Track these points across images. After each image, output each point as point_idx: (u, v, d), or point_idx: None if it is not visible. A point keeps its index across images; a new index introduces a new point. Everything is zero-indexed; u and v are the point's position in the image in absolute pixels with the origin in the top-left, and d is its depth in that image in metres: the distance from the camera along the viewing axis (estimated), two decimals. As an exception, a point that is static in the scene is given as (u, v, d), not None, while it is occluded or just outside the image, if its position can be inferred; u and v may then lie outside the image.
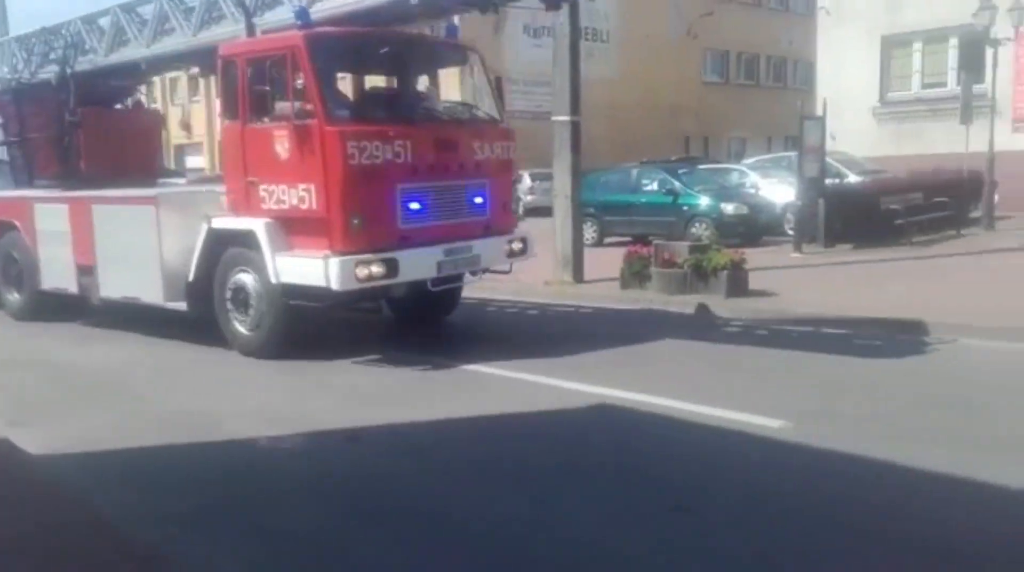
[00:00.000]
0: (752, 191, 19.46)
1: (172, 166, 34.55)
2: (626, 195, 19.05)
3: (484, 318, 11.39)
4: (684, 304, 11.12)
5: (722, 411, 6.56)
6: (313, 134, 8.20)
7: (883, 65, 24.01)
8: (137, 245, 9.88)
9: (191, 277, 9.39)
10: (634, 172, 19.94)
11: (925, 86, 23.63)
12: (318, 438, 6.49)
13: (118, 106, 12.91)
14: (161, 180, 12.59)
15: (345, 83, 9.68)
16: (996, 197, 18.45)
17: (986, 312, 9.50)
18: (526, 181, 27.27)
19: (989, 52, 18.46)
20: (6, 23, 16.62)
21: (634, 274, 12.11)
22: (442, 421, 6.79)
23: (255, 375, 8.54)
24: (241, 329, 9.18)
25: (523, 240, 9.79)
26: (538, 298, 12.39)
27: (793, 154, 18.01)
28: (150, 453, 6.18)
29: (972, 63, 18.70)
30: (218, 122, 10.60)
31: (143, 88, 13.13)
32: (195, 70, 12.98)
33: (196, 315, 9.57)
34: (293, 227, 8.59)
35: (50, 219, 11.18)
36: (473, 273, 9.42)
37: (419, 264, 8.65)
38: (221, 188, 9.69)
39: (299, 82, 8.29)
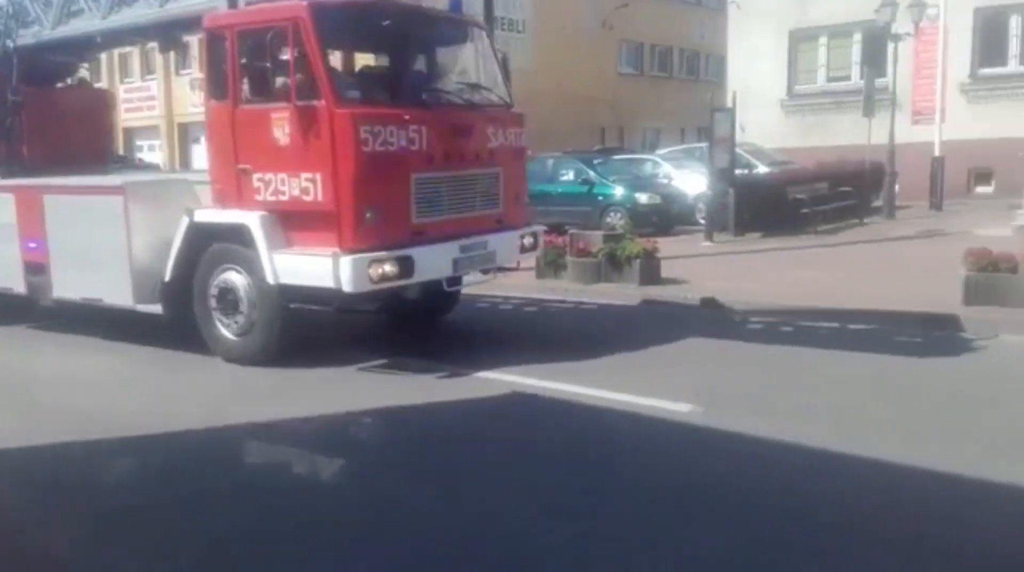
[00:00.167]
0: (665, 181, 19.96)
1: (122, 153, 32.72)
2: (543, 185, 18.71)
3: (471, 316, 10.53)
4: (600, 293, 11.21)
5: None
6: (320, 117, 7.30)
7: (790, 59, 24.56)
8: (101, 241, 8.79)
9: (167, 276, 8.36)
10: (550, 162, 19.79)
11: (830, 79, 24.24)
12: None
13: (60, 85, 11.62)
14: (113, 167, 11.45)
15: (338, 60, 8.71)
16: (896, 187, 19.09)
17: (873, 296, 9.86)
18: None
19: (891, 47, 19.09)
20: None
21: (549, 263, 12.05)
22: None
23: (250, 383, 7.60)
24: (227, 334, 8.21)
25: (534, 234, 9.05)
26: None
27: (705, 145, 18.37)
28: (56, 452, 5.85)
29: (874, 58, 19.46)
30: (178, 102, 9.52)
31: (87, 65, 11.81)
32: (152, 45, 11.76)
33: (173, 319, 8.53)
34: (293, 221, 7.66)
35: (-9, 211, 9.95)
36: (485, 271, 8.60)
37: (435, 262, 7.83)
38: (200, 177, 8.71)
39: (301, 58, 7.37)
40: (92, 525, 4.78)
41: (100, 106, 11.81)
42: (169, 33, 9.93)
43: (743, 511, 4.66)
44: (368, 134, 7.29)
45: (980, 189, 21.54)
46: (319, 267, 7.38)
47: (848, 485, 4.98)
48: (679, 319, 9.79)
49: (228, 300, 8.10)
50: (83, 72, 11.82)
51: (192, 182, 8.89)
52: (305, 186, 7.46)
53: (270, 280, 7.64)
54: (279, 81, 7.49)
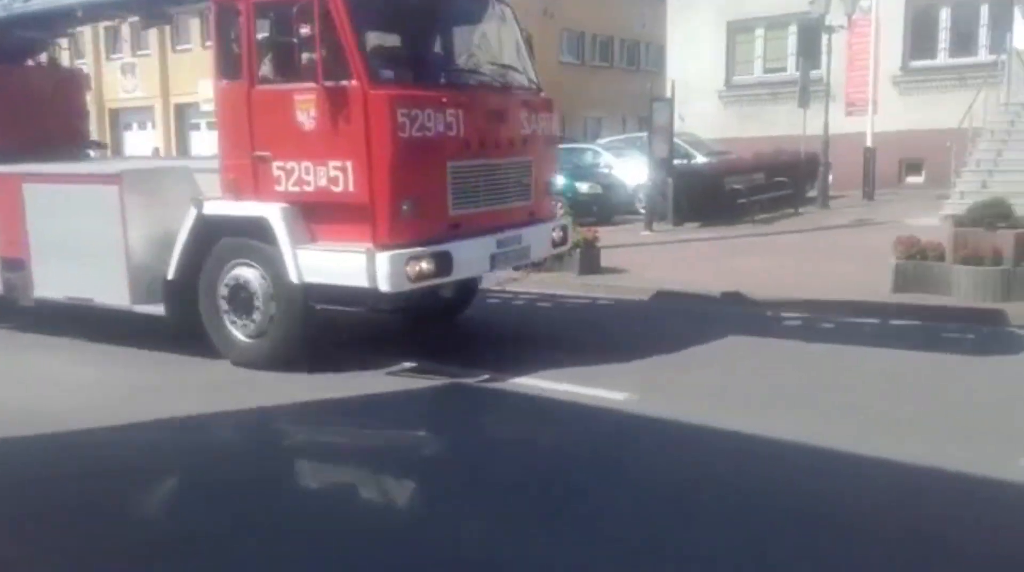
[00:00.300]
0: (605, 171, 19.88)
1: (104, 135, 30.82)
2: None
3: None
4: (539, 283, 11.00)
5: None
6: (352, 99, 6.63)
7: (728, 50, 24.63)
8: (92, 234, 8.00)
9: (171, 273, 7.60)
10: None
11: (767, 71, 24.37)
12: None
13: (30, 63, 10.68)
14: (88, 153, 10.60)
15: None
16: (830, 177, 19.35)
17: (797, 284, 10.07)
18: None
19: (825, 39, 19.30)
20: None
21: None
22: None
23: (267, 387, 6.92)
24: (239, 335, 7.50)
25: (564, 228, 8.47)
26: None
27: (645, 135, 18.34)
28: None
29: (809, 50, 19.69)
30: (175, 81, 8.72)
31: (63, 41, 10.88)
32: (134, 19, 10.89)
33: (175, 320, 7.79)
34: (318, 214, 6.98)
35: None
36: (517, 268, 8.01)
37: (472, 258, 7.22)
38: (202, 164, 7.99)
39: (329, 33, 6.69)
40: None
41: (73, 87, 10.88)
42: (155, 6, 9.10)
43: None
44: (405, 118, 6.64)
45: (911, 179, 21.85)
46: (351, 264, 6.73)
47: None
48: (701, 317, 9.32)
49: (241, 299, 7.39)
50: (56, 48, 10.87)
51: (193, 170, 8.13)
52: (333, 175, 6.79)
53: (293, 279, 6.96)
54: (304, 59, 6.79)
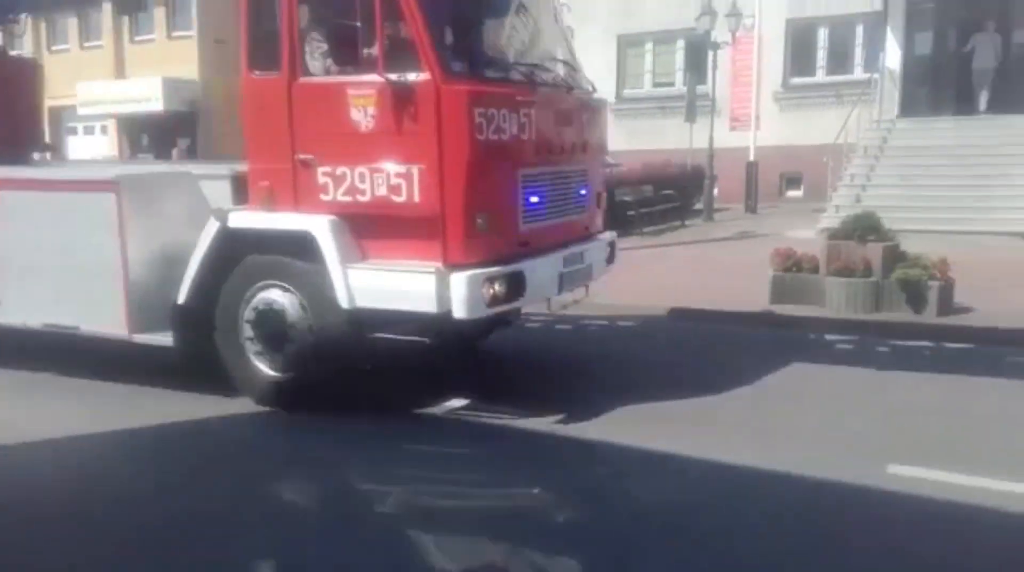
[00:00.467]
0: None
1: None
2: None
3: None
4: None
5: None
6: (422, 95, 5.71)
7: (619, 63, 24.69)
8: (79, 250, 6.86)
9: (182, 297, 6.51)
10: None
11: (656, 85, 24.55)
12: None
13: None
14: (39, 157, 9.32)
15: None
16: (715, 190, 19.75)
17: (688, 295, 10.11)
18: None
19: (710, 55, 19.71)
20: None
21: None
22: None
23: (309, 438, 5.92)
24: (265, 369, 6.46)
25: (612, 244, 7.69)
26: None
27: None
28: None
29: (696, 65, 20.15)
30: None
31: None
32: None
33: (188, 352, 6.69)
34: (371, 227, 6.03)
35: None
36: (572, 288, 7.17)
37: (543, 279, 6.38)
38: (207, 170, 6.95)
39: (393, 18, 5.78)
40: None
41: (23, 80, 9.54)
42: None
43: None
44: (482, 118, 5.77)
45: (791, 193, 22.22)
46: (416, 286, 5.80)
47: None
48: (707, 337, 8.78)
49: (270, 326, 6.36)
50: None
51: (197, 176, 7.05)
52: (395, 183, 5.85)
53: (342, 303, 5.98)
54: (361, 47, 5.83)
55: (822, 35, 22.16)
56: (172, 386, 6.91)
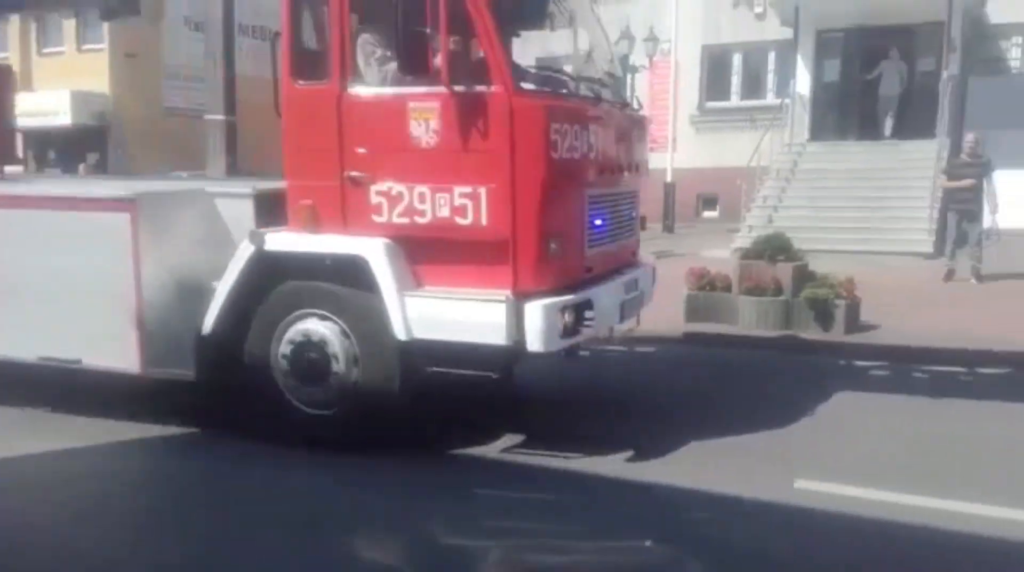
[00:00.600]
0: None
1: None
2: None
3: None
4: None
5: None
6: (493, 108, 5.26)
7: None
8: (85, 275, 6.17)
9: (208, 327, 5.88)
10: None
11: None
12: None
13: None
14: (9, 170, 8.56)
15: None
16: None
17: None
18: None
19: (629, 79, 19.92)
20: None
21: None
22: None
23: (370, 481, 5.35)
24: (301, 406, 5.87)
25: (654, 269, 7.32)
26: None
27: None
28: None
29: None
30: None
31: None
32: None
33: (210, 387, 6.06)
34: (428, 252, 5.53)
35: None
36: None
37: (608, 308, 5.96)
38: (224, 187, 6.39)
39: (460, 24, 5.32)
40: None
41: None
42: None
43: None
44: (557, 135, 5.35)
45: (707, 213, 22.65)
46: (485, 317, 5.31)
47: None
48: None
49: (309, 360, 5.78)
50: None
51: (212, 194, 6.45)
52: (460, 204, 5.37)
53: (399, 335, 5.45)
54: (423, 56, 5.34)
55: (736, 61, 22.75)
56: (181, 423, 6.24)
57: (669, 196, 20.43)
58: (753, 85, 22.51)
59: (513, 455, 5.85)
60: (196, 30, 26.54)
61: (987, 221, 12.11)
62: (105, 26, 26.44)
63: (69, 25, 27.82)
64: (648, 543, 4.48)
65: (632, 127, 6.55)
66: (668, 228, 20.30)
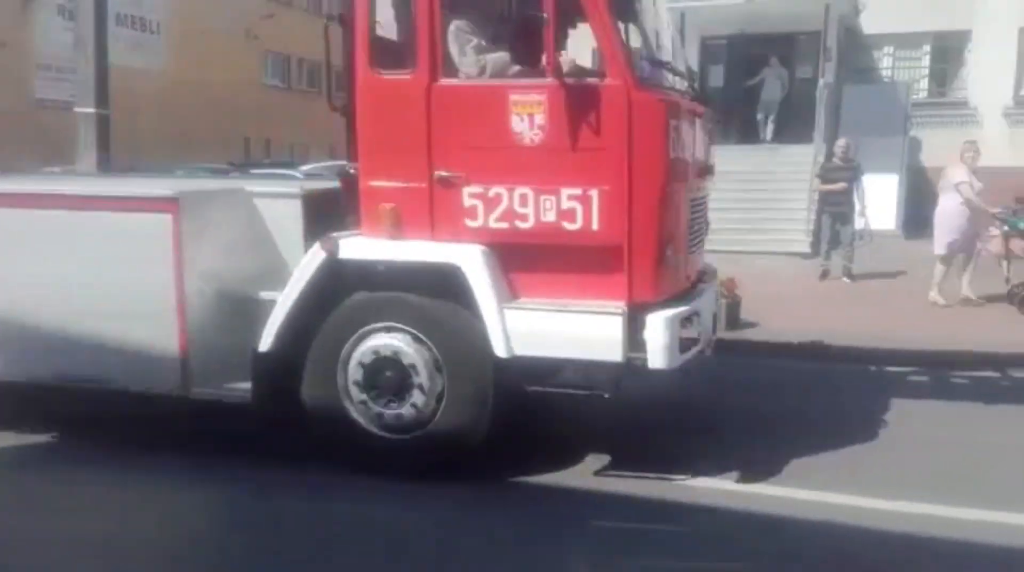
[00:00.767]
0: None
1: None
2: None
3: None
4: None
5: None
6: (609, 102, 4.79)
7: None
8: (114, 284, 5.43)
9: (267, 343, 5.24)
10: (179, 173, 17.87)
11: None
12: None
13: None
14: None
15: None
16: None
17: None
18: None
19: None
20: None
21: None
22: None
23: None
24: (374, 430, 5.28)
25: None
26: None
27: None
28: None
29: None
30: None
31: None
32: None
33: (268, 409, 5.41)
34: (530, 260, 5.02)
35: None
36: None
37: (709, 319, 5.55)
38: (267, 187, 5.79)
39: (573, 10, 4.84)
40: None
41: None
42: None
43: None
44: (675, 133, 4.91)
45: None
46: (599, 331, 4.84)
47: None
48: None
49: (385, 378, 5.19)
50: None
51: (252, 193, 5.80)
52: (568, 208, 4.88)
53: (499, 352, 4.92)
54: (534, 46, 4.82)
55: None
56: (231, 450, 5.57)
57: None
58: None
59: (613, 479, 5.37)
60: (68, 19, 25.01)
61: (859, 223, 12.37)
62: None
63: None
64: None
65: (711, 126, 6.15)
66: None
